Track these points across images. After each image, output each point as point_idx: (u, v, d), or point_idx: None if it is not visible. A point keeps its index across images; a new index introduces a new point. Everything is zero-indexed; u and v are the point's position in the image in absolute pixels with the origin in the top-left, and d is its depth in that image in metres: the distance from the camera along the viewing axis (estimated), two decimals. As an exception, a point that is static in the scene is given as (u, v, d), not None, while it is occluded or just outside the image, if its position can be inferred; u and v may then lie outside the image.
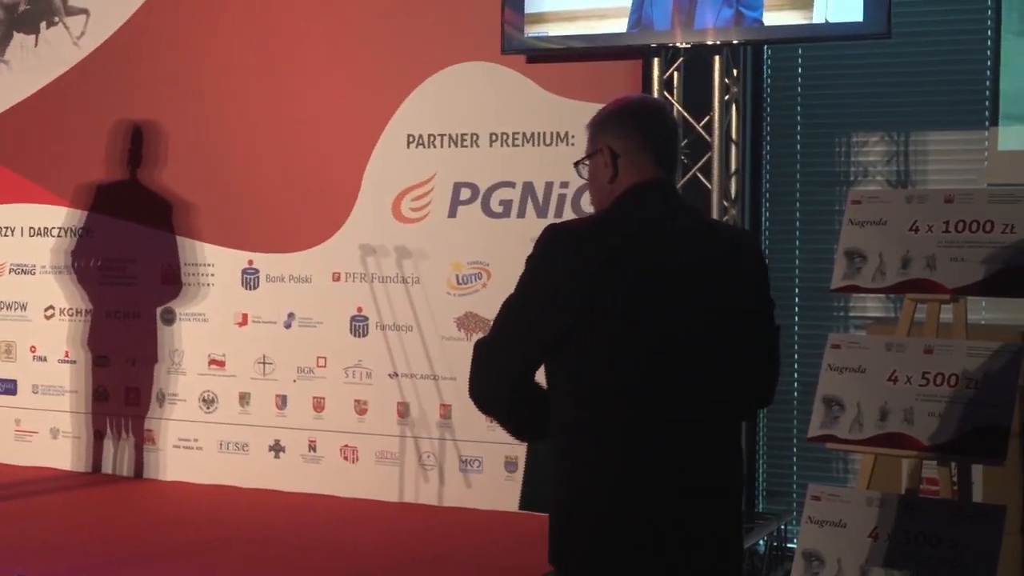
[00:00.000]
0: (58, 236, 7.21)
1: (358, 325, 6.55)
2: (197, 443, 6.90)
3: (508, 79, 6.23)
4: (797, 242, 5.93)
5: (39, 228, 7.27)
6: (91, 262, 7.15)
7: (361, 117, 6.53)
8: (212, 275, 6.89)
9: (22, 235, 7.32)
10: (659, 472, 2.38)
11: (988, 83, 5.51)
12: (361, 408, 6.55)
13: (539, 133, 6.20)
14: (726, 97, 5.52)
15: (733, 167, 5.56)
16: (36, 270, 7.27)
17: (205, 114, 6.87)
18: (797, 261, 5.91)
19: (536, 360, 2.45)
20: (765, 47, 5.78)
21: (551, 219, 5.98)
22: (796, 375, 5.80)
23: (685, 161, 5.54)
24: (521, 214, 6.22)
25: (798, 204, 5.95)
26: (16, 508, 6.31)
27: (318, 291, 6.63)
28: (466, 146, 6.34)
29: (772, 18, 5.29)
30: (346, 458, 6.56)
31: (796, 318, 5.84)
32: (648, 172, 2.52)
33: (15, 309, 7.33)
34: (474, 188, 6.33)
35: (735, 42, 5.40)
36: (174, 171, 6.94)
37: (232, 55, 6.82)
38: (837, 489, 3.89)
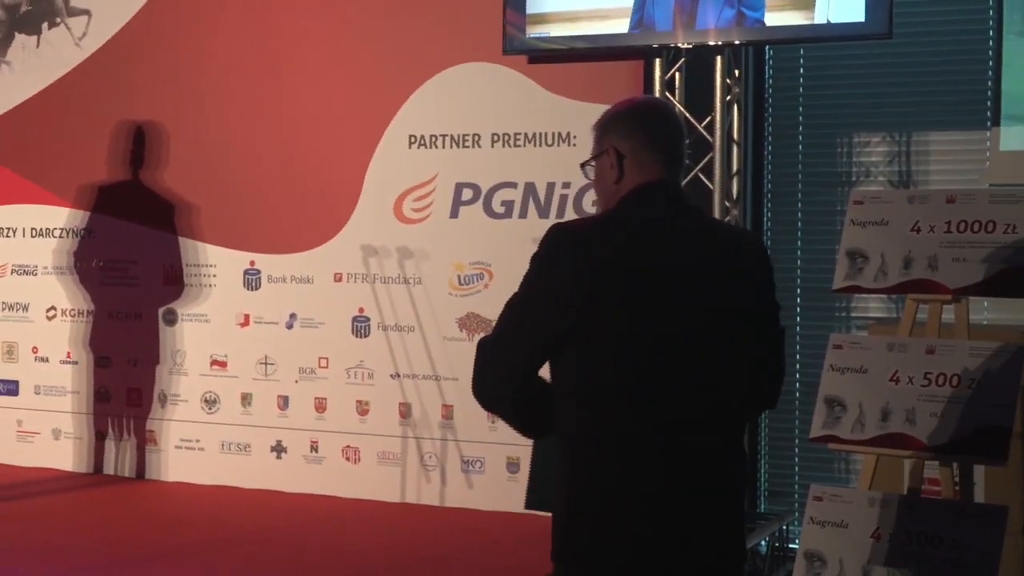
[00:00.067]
0: (60, 237, 7.22)
1: (360, 326, 6.55)
2: (199, 444, 6.90)
3: (510, 80, 6.23)
4: (799, 242, 5.92)
5: (41, 229, 7.27)
6: (93, 263, 7.16)
7: (363, 117, 6.53)
8: (214, 276, 6.90)
9: (24, 236, 7.32)
10: (659, 472, 2.38)
11: (990, 83, 5.51)
12: (363, 409, 6.55)
13: (541, 134, 6.20)
14: (728, 97, 5.52)
15: (735, 167, 5.57)
16: (38, 271, 7.27)
17: (207, 115, 6.87)
18: (799, 261, 5.91)
19: (539, 359, 2.46)
20: (767, 47, 5.78)
21: (553, 220, 5.98)
22: (798, 375, 5.80)
23: (687, 162, 5.51)
24: (523, 214, 6.22)
25: (800, 204, 5.95)
26: (18, 509, 6.31)
27: (320, 292, 6.64)
28: (468, 147, 6.34)
29: (774, 18, 5.29)
30: (348, 459, 6.56)
31: (798, 318, 5.84)
32: (653, 173, 2.52)
33: (17, 310, 7.33)
34: (476, 188, 6.33)
35: (737, 42, 5.40)
36: (176, 172, 6.94)
37: (234, 56, 6.83)
38: (839, 489, 3.89)
